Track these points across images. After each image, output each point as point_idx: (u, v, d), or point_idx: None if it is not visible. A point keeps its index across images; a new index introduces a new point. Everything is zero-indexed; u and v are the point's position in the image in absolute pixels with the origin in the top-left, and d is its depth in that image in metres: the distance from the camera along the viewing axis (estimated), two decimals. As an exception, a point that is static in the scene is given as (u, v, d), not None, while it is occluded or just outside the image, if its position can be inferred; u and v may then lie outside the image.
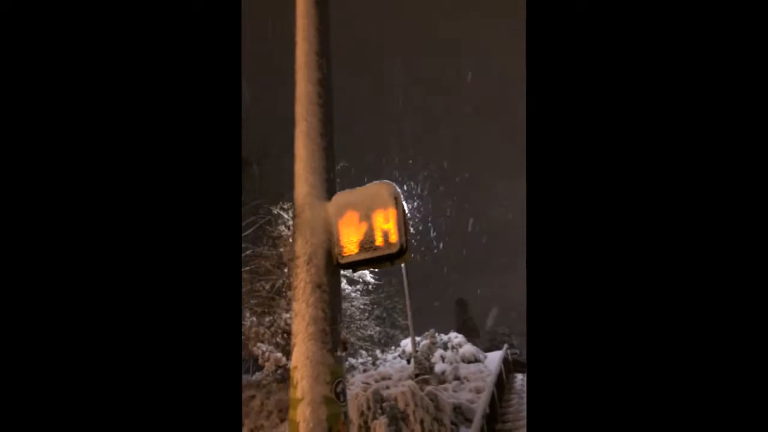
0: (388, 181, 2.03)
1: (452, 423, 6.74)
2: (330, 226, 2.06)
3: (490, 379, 9.99)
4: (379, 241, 1.93)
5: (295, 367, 1.87)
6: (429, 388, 6.77)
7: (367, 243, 1.95)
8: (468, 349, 12.36)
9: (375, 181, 2.05)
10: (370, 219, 1.98)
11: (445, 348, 12.38)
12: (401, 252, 1.91)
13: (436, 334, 12.40)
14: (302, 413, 1.77)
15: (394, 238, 1.91)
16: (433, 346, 11.43)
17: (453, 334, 13.16)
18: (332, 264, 2.02)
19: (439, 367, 10.75)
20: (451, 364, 11.48)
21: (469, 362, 11.81)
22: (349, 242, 1.99)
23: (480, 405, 7.99)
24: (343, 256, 1.98)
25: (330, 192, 2.20)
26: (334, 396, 1.83)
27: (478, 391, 9.17)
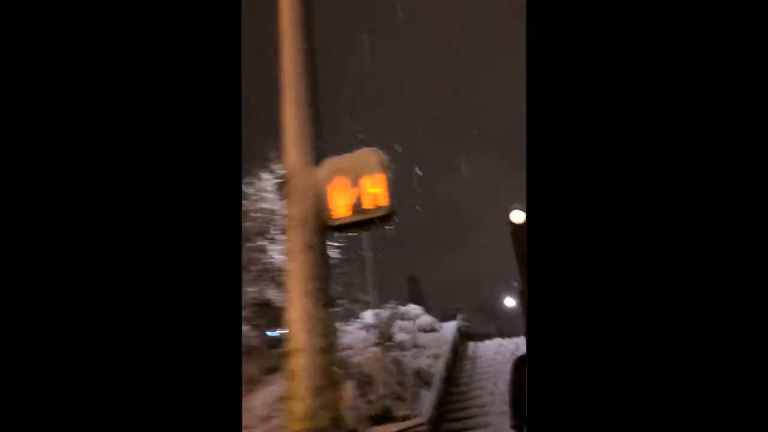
0: (376, 149, 2.15)
1: (413, 386, 7.10)
2: (320, 190, 2.17)
3: (446, 347, 10.47)
4: (368, 204, 2.07)
5: (292, 321, 2.00)
6: (392, 354, 7.08)
7: (357, 206, 2.09)
8: (425, 319, 12.80)
9: (363, 148, 2.17)
10: (359, 184, 2.11)
11: (404, 319, 12.78)
12: (389, 215, 2.06)
13: (397, 306, 12.77)
14: (301, 362, 1.92)
15: (383, 201, 2.05)
16: (393, 317, 11.79)
17: (411, 306, 13.57)
18: (322, 226, 2.15)
19: (398, 337, 11.12)
20: (409, 333, 11.87)
21: (426, 332, 12.27)
22: (339, 206, 2.11)
23: (438, 369, 8.41)
24: (333, 219, 2.11)
25: (318, 159, 2.31)
26: (328, 346, 1.98)
27: (436, 357, 9.61)
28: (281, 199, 2.31)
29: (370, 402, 5.94)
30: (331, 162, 2.21)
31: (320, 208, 2.16)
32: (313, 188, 2.19)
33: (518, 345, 12.48)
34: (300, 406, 1.87)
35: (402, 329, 12.08)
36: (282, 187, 2.27)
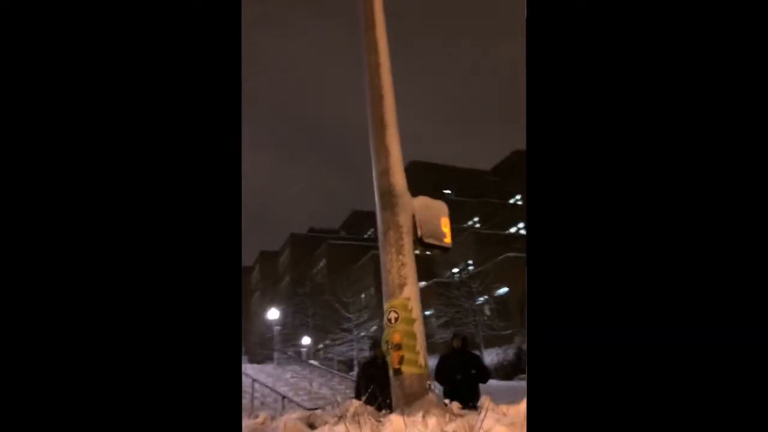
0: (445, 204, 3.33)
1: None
2: (415, 213, 3.09)
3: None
4: (444, 236, 3.19)
5: (408, 298, 2.78)
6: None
7: (437, 234, 3.16)
8: None
9: (439, 200, 3.30)
10: (439, 220, 3.20)
11: None
12: (448, 249, 3.26)
13: None
14: (418, 328, 2.75)
15: (449, 238, 3.23)
16: None
17: None
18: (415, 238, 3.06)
19: None
20: None
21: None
22: (427, 229, 3.12)
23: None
24: (425, 237, 3.08)
25: (403, 188, 3.19)
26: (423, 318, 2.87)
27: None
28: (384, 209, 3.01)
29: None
30: (422, 198, 3.19)
31: (415, 225, 3.07)
32: (412, 210, 3.08)
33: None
34: (420, 357, 2.68)
35: None
36: (389, 199, 3.03)
